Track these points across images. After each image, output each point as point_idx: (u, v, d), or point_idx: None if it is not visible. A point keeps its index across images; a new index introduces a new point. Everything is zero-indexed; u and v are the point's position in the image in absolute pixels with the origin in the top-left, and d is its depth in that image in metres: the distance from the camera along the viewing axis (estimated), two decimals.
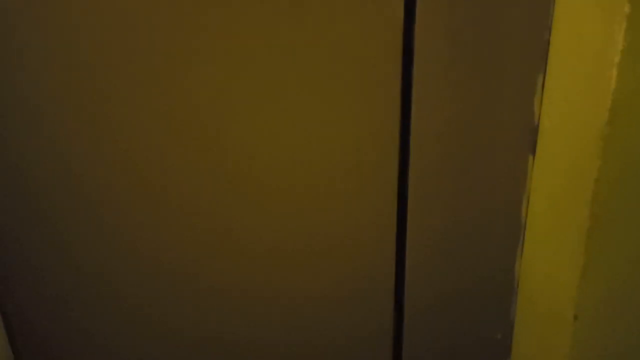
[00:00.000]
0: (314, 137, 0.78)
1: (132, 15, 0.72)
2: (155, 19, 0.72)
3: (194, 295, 0.89)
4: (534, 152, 0.78)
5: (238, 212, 0.83)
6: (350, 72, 0.74)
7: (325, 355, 0.93)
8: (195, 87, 0.75)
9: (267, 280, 0.87)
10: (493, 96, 0.75)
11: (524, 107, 0.76)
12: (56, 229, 0.86)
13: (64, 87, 0.76)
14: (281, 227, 0.84)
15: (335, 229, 0.84)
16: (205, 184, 0.81)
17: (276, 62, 0.74)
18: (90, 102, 0.77)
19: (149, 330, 0.92)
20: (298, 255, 0.86)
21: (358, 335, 0.91)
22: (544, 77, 0.73)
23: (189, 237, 0.85)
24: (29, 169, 0.82)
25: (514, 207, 0.82)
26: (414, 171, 0.79)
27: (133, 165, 0.80)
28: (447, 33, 0.71)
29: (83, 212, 0.84)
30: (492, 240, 0.84)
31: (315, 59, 0.74)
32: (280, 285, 0.88)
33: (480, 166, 0.79)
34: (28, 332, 0.93)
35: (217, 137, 0.78)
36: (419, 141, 0.77)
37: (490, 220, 0.83)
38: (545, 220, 0.77)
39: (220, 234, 0.84)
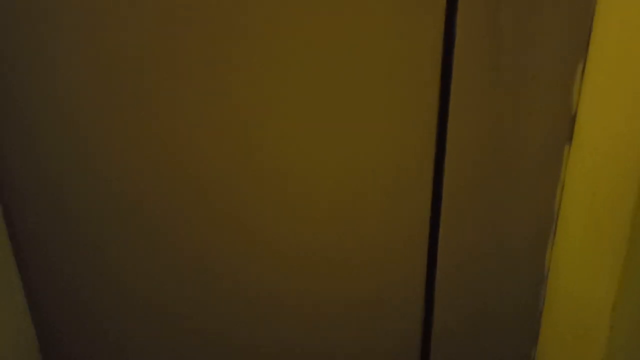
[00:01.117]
0: (349, 145, 0.77)
1: (167, 15, 0.70)
2: (195, 19, 0.70)
3: (221, 299, 0.88)
4: (570, 141, 0.75)
5: (269, 217, 0.81)
6: (387, 74, 0.72)
7: None
8: (235, 88, 0.74)
9: (297, 287, 0.86)
10: (531, 84, 0.72)
11: (563, 96, 0.73)
12: (87, 230, 0.84)
13: (93, 89, 0.75)
14: (312, 234, 0.82)
15: (367, 238, 0.82)
16: (237, 188, 0.79)
17: (311, 66, 0.72)
18: (123, 101, 0.75)
19: (179, 335, 0.91)
20: (328, 263, 0.84)
21: (386, 346, 0.90)
22: (584, 66, 0.69)
23: (219, 241, 0.83)
24: (58, 171, 0.80)
25: (547, 202, 0.78)
26: (449, 163, 0.76)
27: (163, 167, 0.79)
28: (487, 21, 0.69)
29: (112, 215, 0.83)
30: (522, 240, 0.81)
31: (351, 66, 0.72)
32: (308, 293, 0.86)
33: (515, 157, 0.76)
34: (57, 335, 0.93)
35: (252, 141, 0.77)
36: (455, 133, 0.75)
37: (522, 216, 0.80)
38: (580, 227, 0.73)
39: (250, 238, 0.83)
